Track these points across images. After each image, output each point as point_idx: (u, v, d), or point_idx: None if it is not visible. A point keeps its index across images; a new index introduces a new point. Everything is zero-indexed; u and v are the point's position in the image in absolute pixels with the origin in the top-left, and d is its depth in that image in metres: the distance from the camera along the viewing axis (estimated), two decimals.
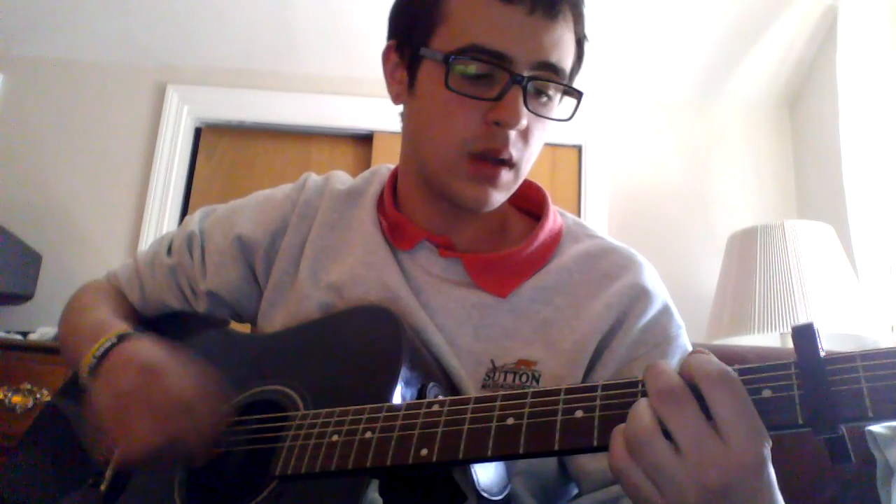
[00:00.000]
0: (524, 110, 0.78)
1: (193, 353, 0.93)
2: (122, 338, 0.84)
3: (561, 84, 0.81)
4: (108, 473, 0.81)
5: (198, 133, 2.77)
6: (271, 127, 2.75)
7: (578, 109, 0.83)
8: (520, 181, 0.86)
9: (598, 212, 2.61)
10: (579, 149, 2.71)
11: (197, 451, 0.74)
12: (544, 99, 0.81)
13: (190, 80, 2.73)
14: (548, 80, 0.80)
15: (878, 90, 2.22)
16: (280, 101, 2.72)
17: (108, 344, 0.83)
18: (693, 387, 0.52)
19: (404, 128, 0.90)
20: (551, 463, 0.82)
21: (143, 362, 0.78)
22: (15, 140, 2.66)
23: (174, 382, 0.75)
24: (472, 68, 0.78)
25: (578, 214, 2.49)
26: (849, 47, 2.31)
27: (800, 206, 2.62)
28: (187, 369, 0.77)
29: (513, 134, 0.79)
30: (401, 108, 0.90)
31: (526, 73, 0.78)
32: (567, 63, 0.81)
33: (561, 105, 0.85)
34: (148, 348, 0.81)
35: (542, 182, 0.97)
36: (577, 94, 0.82)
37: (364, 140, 2.74)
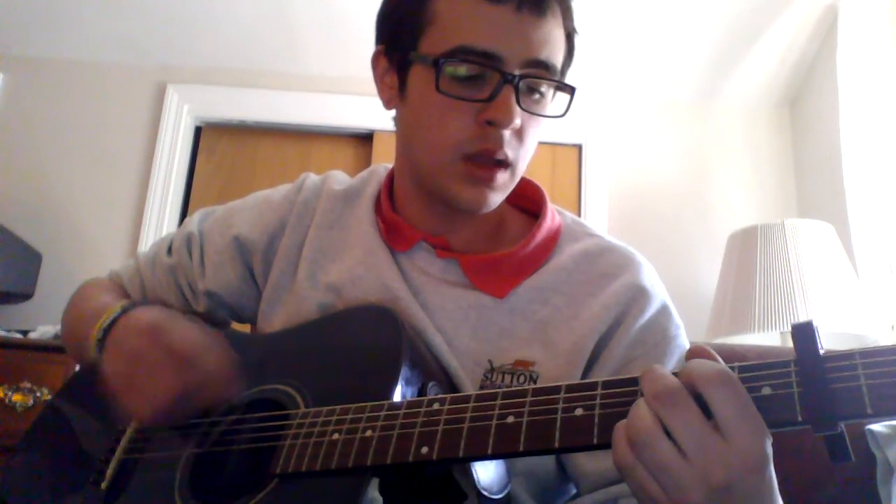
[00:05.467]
0: (517, 109, 0.77)
1: None
2: (125, 309, 0.84)
3: (553, 80, 0.81)
4: (109, 472, 0.81)
5: (198, 132, 2.77)
6: (271, 126, 2.75)
7: (572, 104, 0.82)
8: (516, 180, 0.85)
9: (598, 211, 2.61)
10: (579, 148, 2.71)
11: (212, 399, 0.75)
12: (537, 96, 0.81)
13: (190, 79, 2.73)
14: (539, 77, 0.79)
15: (878, 90, 2.22)
16: (280, 101, 2.72)
17: (113, 315, 0.84)
18: (691, 390, 0.52)
19: (398, 131, 0.90)
20: (550, 464, 0.82)
21: (148, 323, 0.78)
22: (15, 140, 2.66)
23: (178, 337, 0.76)
24: (463, 70, 0.77)
25: (578, 214, 2.50)
26: (849, 47, 2.31)
27: (800, 206, 2.63)
28: (190, 326, 0.78)
29: (507, 133, 0.79)
30: (393, 112, 0.90)
31: (517, 72, 0.77)
32: (558, 59, 0.81)
33: (554, 101, 0.84)
34: (151, 312, 0.82)
35: (542, 181, 0.97)
36: (570, 90, 0.82)
37: (364, 139, 2.74)
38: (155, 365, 0.74)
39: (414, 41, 0.81)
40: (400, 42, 0.83)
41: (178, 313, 0.81)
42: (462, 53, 0.77)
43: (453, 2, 0.78)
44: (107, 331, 0.83)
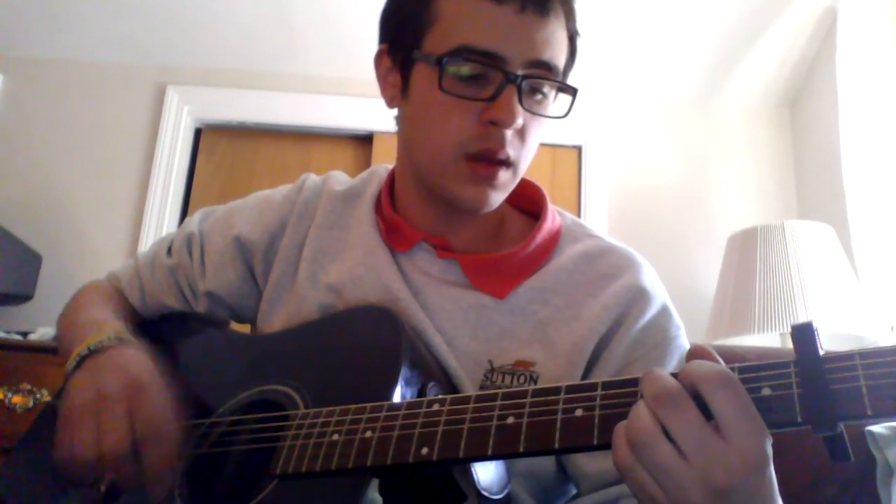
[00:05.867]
0: (519, 109, 0.77)
1: (193, 354, 0.94)
2: (121, 340, 0.83)
3: (555, 81, 0.81)
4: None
5: (198, 133, 2.77)
6: (271, 127, 2.75)
7: (574, 106, 0.82)
8: (517, 180, 0.85)
9: (598, 212, 2.61)
10: (579, 149, 2.71)
11: (132, 484, 0.73)
12: (539, 97, 0.81)
13: (190, 80, 2.73)
14: (542, 77, 0.79)
15: (878, 90, 2.22)
16: (280, 102, 2.72)
17: (106, 342, 0.82)
18: (691, 391, 0.52)
19: (400, 131, 0.90)
20: (550, 464, 0.82)
21: (134, 375, 0.77)
22: (15, 140, 2.66)
23: (142, 415, 0.74)
24: (466, 69, 0.77)
25: (578, 215, 2.49)
26: (849, 47, 2.31)
27: (800, 207, 2.63)
28: (160, 405, 0.76)
29: (509, 133, 0.79)
30: (395, 111, 0.90)
31: (519, 72, 0.77)
32: (560, 60, 0.81)
33: (556, 102, 0.84)
34: (142, 361, 0.80)
35: (542, 182, 0.97)
36: (572, 91, 0.82)
37: (364, 140, 2.74)
38: (105, 416, 0.73)
39: (417, 40, 0.81)
40: (403, 41, 0.83)
41: (162, 372, 0.79)
42: (465, 53, 0.77)
43: (457, 1, 0.79)
44: (95, 351, 0.82)
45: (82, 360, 0.82)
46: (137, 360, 0.81)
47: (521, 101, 0.77)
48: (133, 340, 0.85)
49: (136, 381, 0.76)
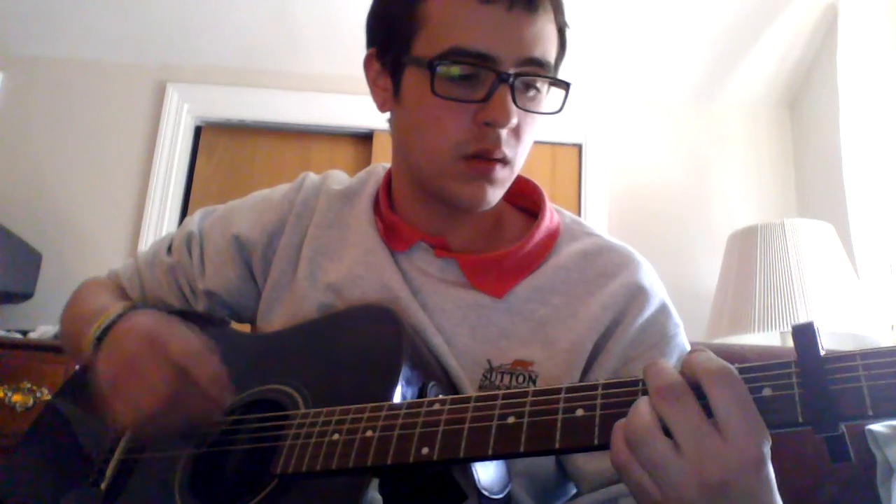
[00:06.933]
0: (513, 108, 0.77)
1: None
2: (123, 313, 0.85)
3: (548, 77, 0.80)
4: (109, 472, 0.81)
5: (198, 132, 2.77)
6: (271, 126, 2.75)
7: (568, 100, 0.82)
8: (514, 177, 0.85)
9: (598, 211, 2.61)
10: (579, 147, 2.71)
11: (200, 416, 0.75)
12: (532, 93, 0.81)
13: (190, 78, 2.73)
14: (534, 74, 0.79)
15: (878, 90, 2.22)
16: (280, 100, 2.72)
17: (110, 319, 0.84)
18: (694, 384, 0.52)
19: (394, 133, 0.89)
20: (550, 463, 0.82)
21: (146, 330, 0.79)
22: (15, 139, 2.66)
23: (174, 345, 0.76)
24: (457, 71, 0.77)
25: (578, 213, 2.50)
26: (849, 47, 2.31)
27: (800, 205, 2.63)
28: (188, 334, 0.78)
29: (504, 132, 0.79)
30: (388, 114, 0.89)
31: (511, 71, 0.77)
32: (551, 55, 0.81)
33: (550, 98, 0.84)
34: (149, 319, 0.82)
35: (541, 181, 0.96)
36: (565, 86, 0.82)
37: (364, 139, 2.74)
38: (145, 372, 0.74)
39: (406, 44, 0.80)
40: (392, 45, 0.83)
41: (176, 320, 0.81)
42: (455, 55, 0.76)
43: (444, 3, 0.78)
44: (105, 331, 0.83)
45: (97, 342, 0.83)
46: (146, 320, 0.82)
47: (514, 100, 0.77)
48: (134, 308, 0.87)
49: (152, 334, 0.78)
